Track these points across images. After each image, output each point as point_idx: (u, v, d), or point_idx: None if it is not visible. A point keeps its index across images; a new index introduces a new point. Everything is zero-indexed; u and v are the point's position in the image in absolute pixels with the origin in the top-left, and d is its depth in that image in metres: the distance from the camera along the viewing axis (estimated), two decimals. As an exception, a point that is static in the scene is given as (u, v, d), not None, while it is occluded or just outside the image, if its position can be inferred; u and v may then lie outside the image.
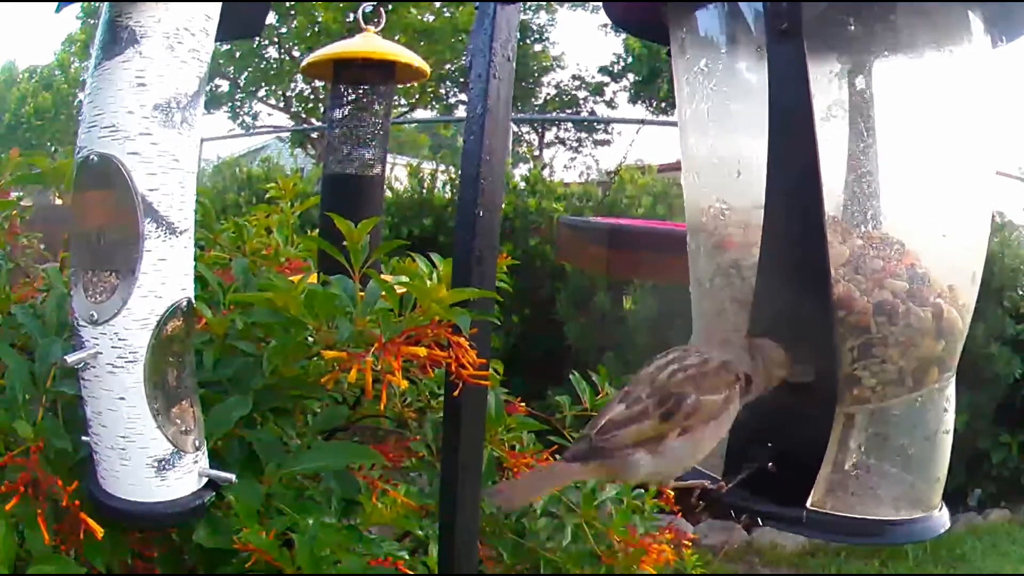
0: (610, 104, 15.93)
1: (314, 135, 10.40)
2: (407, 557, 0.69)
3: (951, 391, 0.54)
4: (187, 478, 0.60)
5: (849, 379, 0.50)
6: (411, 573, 0.67)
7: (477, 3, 0.67)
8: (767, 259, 0.49)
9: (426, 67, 1.17)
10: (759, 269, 0.49)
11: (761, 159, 0.48)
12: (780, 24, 0.46)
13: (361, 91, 1.16)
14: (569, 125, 16.28)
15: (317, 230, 1.15)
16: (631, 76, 15.13)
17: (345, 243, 0.74)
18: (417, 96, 12.66)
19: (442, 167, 3.46)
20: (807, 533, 0.52)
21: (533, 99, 15.63)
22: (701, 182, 0.59)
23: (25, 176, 0.91)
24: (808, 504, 0.49)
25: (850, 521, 0.51)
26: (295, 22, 11.18)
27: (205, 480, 0.61)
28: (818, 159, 0.46)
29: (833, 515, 0.50)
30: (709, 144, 0.58)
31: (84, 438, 0.60)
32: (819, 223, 0.47)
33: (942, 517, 0.54)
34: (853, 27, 0.51)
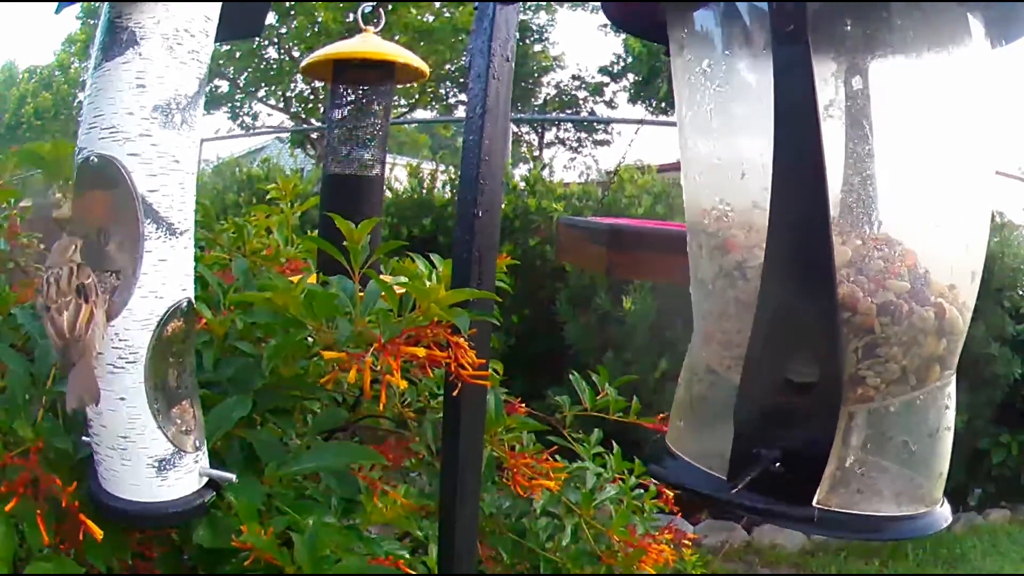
0: (610, 104, 15.97)
1: (314, 135, 10.41)
2: (407, 557, 0.69)
3: (952, 388, 0.54)
4: (188, 478, 0.60)
5: (853, 379, 0.50)
6: (411, 573, 0.67)
7: (477, 3, 0.67)
8: (772, 259, 0.49)
9: (426, 67, 1.17)
10: (764, 270, 0.49)
11: (764, 160, 0.48)
12: (786, 26, 0.46)
13: (360, 91, 1.17)
14: (569, 125, 16.31)
15: (317, 230, 1.15)
16: (631, 76, 15.16)
17: (345, 243, 0.74)
18: (417, 96, 12.67)
19: (442, 167, 3.46)
20: (815, 531, 0.52)
21: (533, 99, 15.66)
22: (702, 183, 0.59)
23: (26, 157, 0.90)
24: (814, 502, 0.50)
25: (855, 518, 0.51)
26: (295, 22, 11.20)
27: (205, 480, 0.61)
28: (823, 161, 0.46)
29: (839, 512, 0.51)
30: (710, 145, 0.58)
31: (84, 438, 0.60)
32: (824, 225, 0.47)
33: (944, 512, 0.54)
34: (851, 27, 0.52)
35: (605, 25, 13.96)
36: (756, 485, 0.50)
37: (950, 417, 0.55)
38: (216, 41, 0.61)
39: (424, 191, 3.34)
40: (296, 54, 11.59)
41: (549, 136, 16.35)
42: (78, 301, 0.54)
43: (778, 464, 0.49)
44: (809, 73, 0.46)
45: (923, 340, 0.50)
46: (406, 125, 13.42)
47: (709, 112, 0.57)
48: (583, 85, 16.08)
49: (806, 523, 0.50)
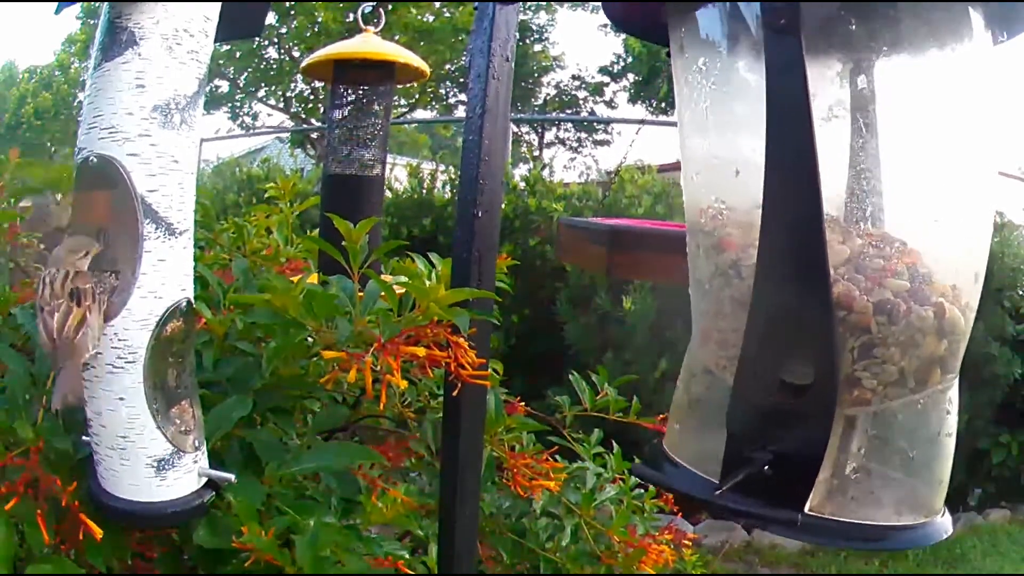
0: (610, 104, 15.99)
1: (314, 135, 10.42)
2: (407, 557, 0.69)
3: (954, 393, 0.53)
4: (187, 478, 0.60)
5: (849, 380, 0.49)
6: (411, 573, 0.67)
7: (477, 3, 0.67)
8: (765, 257, 0.48)
9: (426, 67, 1.17)
10: (757, 268, 0.49)
11: (760, 158, 0.48)
12: (777, 21, 0.46)
13: (361, 92, 1.16)
14: (569, 125, 16.32)
15: (317, 230, 1.15)
16: (631, 76, 15.17)
17: (344, 243, 0.74)
18: (417, 96, 12.68)
19: (442, 167, 3.46)
20: (804, 538, 0.51)
21: (533, 99, 15.67)
22: (700, 182, 0.58)
23: (22, 189, 0.91)
24: (807, 508, 0.49)
25: (850, 526, 0.50)
26: (295, 22, 11.21)
27: (205, 480, 0.61)
28: (816, 154, 0.46)
29: (832, 520, 0.50)
30: (708, 143, 0.58)
31: (84, 438, 0.60)
32: (817, 219, 0.46)
33: (945, 522, 0.53)
34: (854, 25, 0.51)
35: (605, 25, 13.97)
36: (748, 488, 0.49)
37: (952, 422, 0.53)
38: (216, 41, 0.61)
39: (424, 191, 3.34)
40: (296, 54, 11.59)
41: (549, 136, 16.36)
42: (70, 304, 0.54)
43: (767, 467, 0.48)
44: (801, 69, 0.46)
45: (922, 340, 0.49)
46: (406, 125, 13.42)
47: (705, 110, 0.57)
48: (583, 85, 16.09)
49: (790, 528, 0.49)
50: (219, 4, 0.59)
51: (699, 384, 0.59)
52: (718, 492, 0.49)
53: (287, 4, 10.74)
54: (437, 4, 11.20)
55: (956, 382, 0.53)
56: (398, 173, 3.61)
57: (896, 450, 0.52)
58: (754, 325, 0.49)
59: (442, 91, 13.27)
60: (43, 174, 0.87)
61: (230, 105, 13.38)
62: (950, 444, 0.54)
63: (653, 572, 0.89)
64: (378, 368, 0.62)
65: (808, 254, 0.47)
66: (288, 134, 10.86)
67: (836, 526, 0.50)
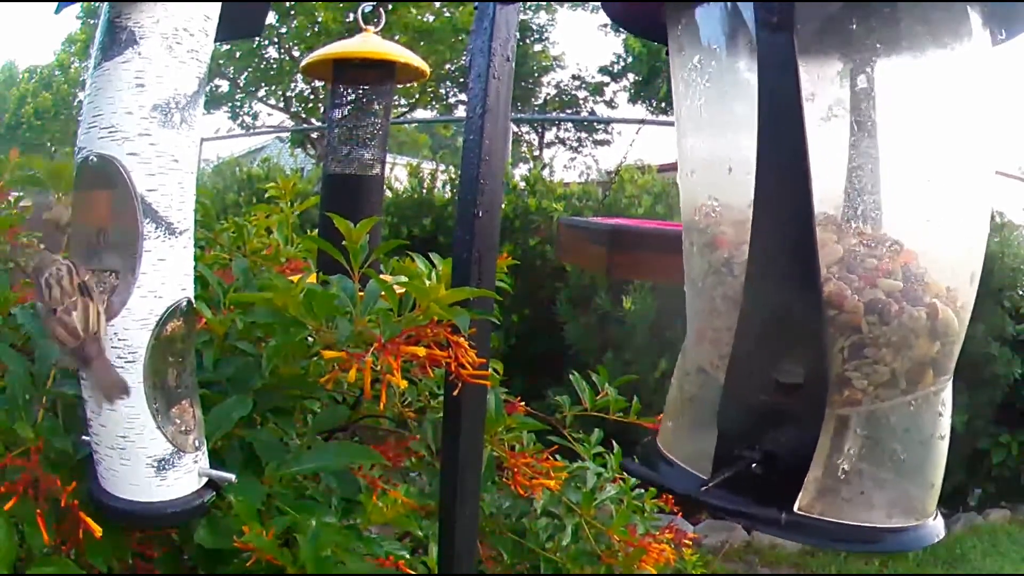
0: (610, 104, 16.00)
1: (314, 135, 10.42)
2: (407, 557, 0.69)
3: (947, 395, 0.53)
4: (187, 478, 0.60)
5: (840, 380, 0.49)
6: (411, 573, 0.67)
7: (477, 3, 0.67)
8: (757, 255, 0.48)
9: (426, 67, 1.17)
10: (749, 265, 0.49)
11: (753, 156, 0.47)
12: (771, 18, 0.46)
13: (361, 91, 1.16)
14: (569, 125, 16.33)
15: (317, 230, 1.15)
16: (631, 76, 15.18)
17: (345, 243, 0.74)
18: (417, 96, 12.68)
19: (442, 167, 3.47)
20: (793, 537, 0.51)
21: (533, 99, 15.67)
22: (695, 180, 0.58)
23: (24, 178, 0.91)
24: (797, 508, 0.48)
25: (840, 527, 0.50)
26: (295, 22, 11.21)
27: (205, 480, 0.61)
28: (807, 152, 0.46)
29: (822, 520, 0.49)
30: (702, 141, 0.58)
31: (84, 438, 0.60)
32: (809, 218, 0.46)
33: (936, 526, 0.53)
34: (853, 25, 0.51)
35: (605, 25, 14.00)
36: (737, 486, 0.49)
37: (944, 425, 0.53)
38: (216, 41, 0.61)
39: (424, 191, 3.34)
40: (296, 54, 11.60)
41: (549, 136, 16.37)
42: (84, 300, 0.54)
43: (755, 465, 0.48)
44: (793, 66, 0.46)
45: (914, 341, 0.49)
46: (406, 125, 13.43)
47: (700, 108, 0.57)
48: (583, 85, 16.10)
49: (775, 527, 0.49)
50: (219, 4, 0.59)
51: (693, 383, 0.59)
52: (704, 488, 0.49)
53: (287, 4, 10.75)
54: (437, 4, 11.21)
55: (950, 384, 0.53)
56: (398, 173, 3.61)
57: (888, 452, 0.52)
58: (745, 323, 0.49)
59: (442, 91, 13.27)
60: (46, 167, 0.87)
61: (230, 105, 13.39)
62: (943, 447, 0.53)
63: (653, 572, 0.89)
64: (378, 368, 0.62)
65: (799, 252, 0.47)
66: (288, 134, 10.86)
67: (826, 526, 0.50)
